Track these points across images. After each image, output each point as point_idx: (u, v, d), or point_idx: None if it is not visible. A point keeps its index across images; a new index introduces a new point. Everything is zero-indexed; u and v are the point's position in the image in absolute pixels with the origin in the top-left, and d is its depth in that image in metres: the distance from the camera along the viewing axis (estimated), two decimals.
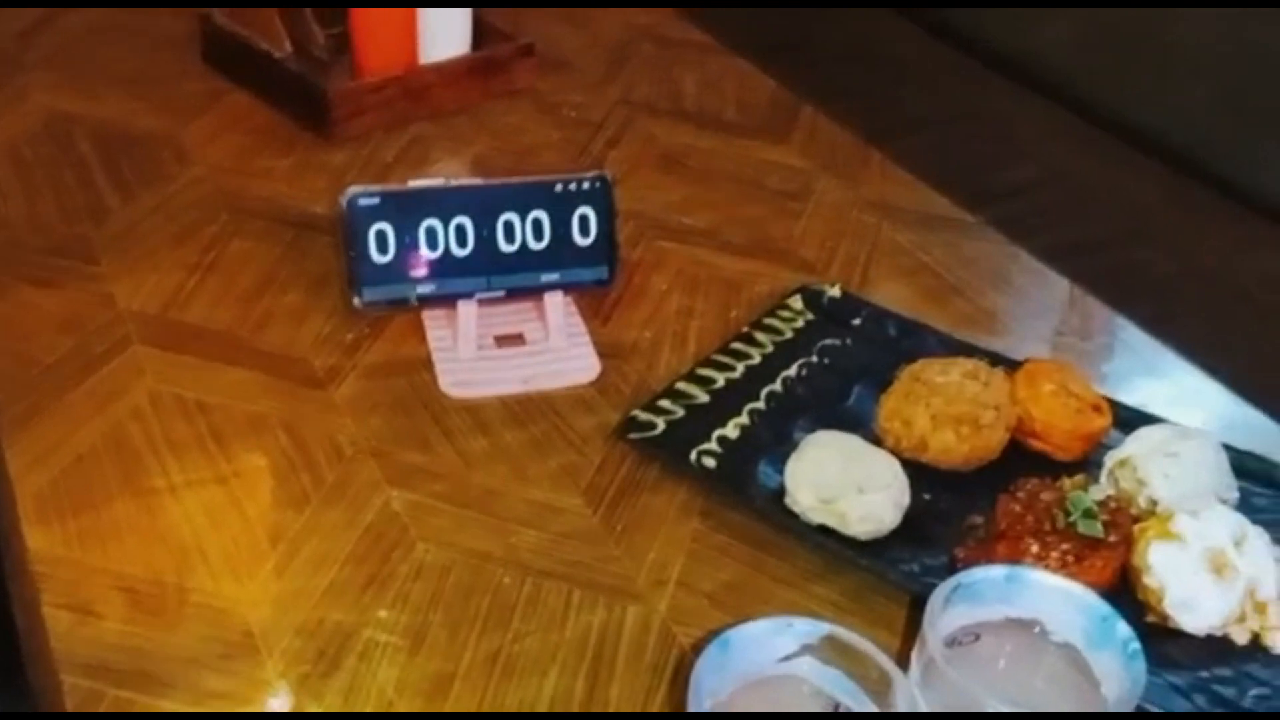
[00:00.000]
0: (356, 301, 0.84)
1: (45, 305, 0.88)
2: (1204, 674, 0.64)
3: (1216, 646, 0.65)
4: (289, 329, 0.88)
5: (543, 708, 0.63)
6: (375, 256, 0.83)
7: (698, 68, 1.29)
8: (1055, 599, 0.53)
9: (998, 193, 1.45)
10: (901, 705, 0.47)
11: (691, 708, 0.46)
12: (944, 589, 0.52)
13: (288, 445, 0.78)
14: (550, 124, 1.18)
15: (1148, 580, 0.66)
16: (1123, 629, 0.51)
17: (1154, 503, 0.71)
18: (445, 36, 1.18)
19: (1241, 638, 0.66)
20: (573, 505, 0.75)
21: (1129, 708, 0.49)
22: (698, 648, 0.64)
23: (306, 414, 0.80)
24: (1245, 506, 0.73)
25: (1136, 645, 0.50)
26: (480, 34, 1.20)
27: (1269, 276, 1.41)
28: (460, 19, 1.18)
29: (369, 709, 0.62)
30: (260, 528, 0.72)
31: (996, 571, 0.53)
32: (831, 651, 0.50)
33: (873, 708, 0.49)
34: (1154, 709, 0.61)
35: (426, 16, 1.16)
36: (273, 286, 0.92)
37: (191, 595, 0.68)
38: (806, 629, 0.50)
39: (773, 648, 0.50)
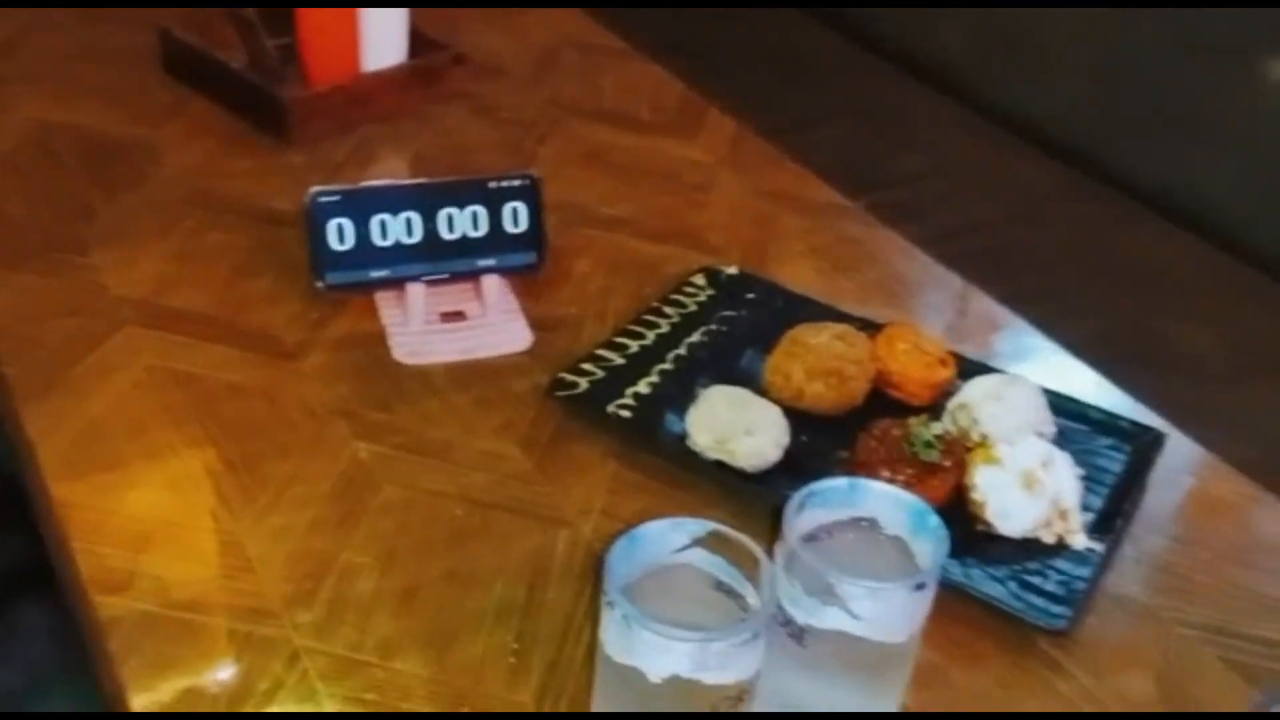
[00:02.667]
0: (320, 285, 0.98)
1: (46, 293, 1.01)
2: (1017, 567, 0.80)
3: (1029, 546, 0.82)
4: (262, 309, 1.01)
5: (491, 612, 0.77)
6: (335, 246, 0.97)
7: (616, 72, 1.44)
8: (886, 501, 0.68)
9: (888, 182, 1.62)
10: (768, 582, 0.62)
11: (606, 589, 0.61)
12: (799, 495, 0.67)
13: (268, 408, 0.92)
14: (485, 125, 1.32)
15: (974, 495, 0.82)
16: (933, 519, 0.66)
17: (984, 437, 0.87)
18: (384, 46, 1.31)
19: (1049, 539, 0.82)
20: (512, 453, 0.90)
21: (937, 574, 0.65)
22: None
23: (282, 381, 0.94)
24: (1062, 439, 0.89)
25: (944, 530, 0.66)
26: (416, 44, 1.33)
27: (1132, 251, 1.60)
28: (397, 29, 1.32)
29: (349, 616, 0.76)
30: (250, 476, 0.85)
31: (841, 482, 0.69)
32: (715, 544, 0.65)
33: (749, 587, 0.64)
34: (980, 595, 0.78)
35: (367, 27, 1.29)
36: (246, 273, 1.05)
37: (197, 532, 0.81)
38: (695, 526, 0.64)
39: (669, 541, 0.65)
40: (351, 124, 1.27)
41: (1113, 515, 0.84)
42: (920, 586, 0.64)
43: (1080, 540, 0.82)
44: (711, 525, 0.65)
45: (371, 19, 1.28)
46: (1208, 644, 0.78)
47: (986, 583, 0.79)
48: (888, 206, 1.32)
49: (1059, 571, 0.80)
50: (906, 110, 1.89)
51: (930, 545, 0.66)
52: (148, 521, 0.82)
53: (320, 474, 0.86)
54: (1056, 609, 0.77)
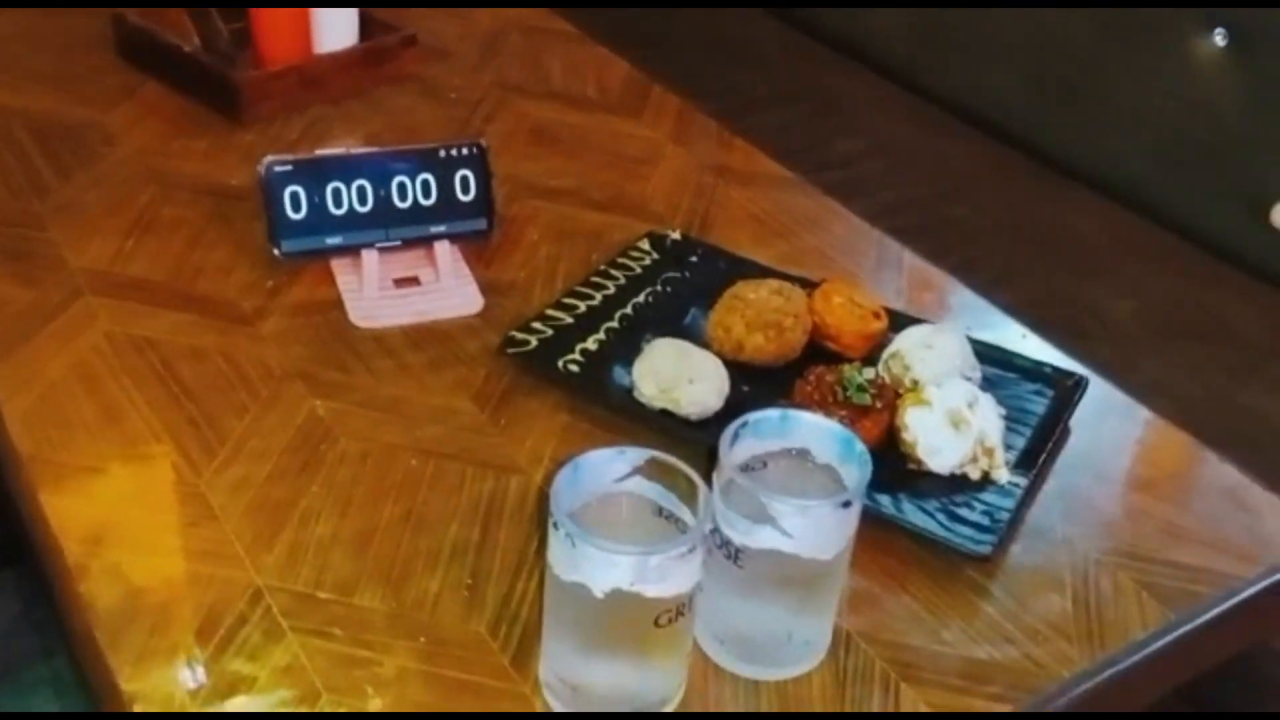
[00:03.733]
0: (276, 252, 1.01)
1: (4, 266, 1.03)
2: (945, 500, 0.85)
3: (957, 482, 0.87)
4: (218, 279, 1.04)
5: (446, 551, 0.81)
6: (291, 214, 1.01)
7: (563, 54, 1.48)
8: (817, 432, 0.72)
9: (830, 163, 1.67)
10: (705, 509, 0.66)
11: (553, 511, 0.64)
12: (734, 425, 0.71)
13: (226, 369, 0.94)
14: (433, 105, 1.35)
15: (905, 435, 0.87)
16: (859, 446, 0.71)
17: (915, 383, 0.91)
18: (336, 29, 1.34)
19: (975, 474, 0.87)
20: (465, 408, 0.93)
21: (857, 497, 0.69)
22: None
23: (239, 345, 0.97)
24: (989, 384, 0.94)
25: (868, 456, 0.70)
26: (367, 26, 1.36)
27: (1056, 223, 1.66)
28: (348, 12, 1.35)
29: (309, 558, 0.80)
30: (210, 432, 0.88)
31: (773, 413, 0.73)
32: (655, 471, 0.68)
33: (687, 512, 0.68)
34: (909, 527, 0.82)
35: (319, 11, 1.32)
36: (201, 245, 1.08)
37: (159, 484, 0.84)
38: (635, 454, 0.68)
39: (611, 470, 0.68)
40: (303, 104, 1.30)
41: (1035, 453, 0.89)
42: (846, 504, 0.69)
43: (1003, 475, 0.86)
44: (650, 453, 0.69)
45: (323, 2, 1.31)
46: (1122, 569, 0.83)
47: (917, 515, 0.83)
48: (826, 186, 1.37)
49: (983, 503, 0.85)
50: (845, 94, 1.94)
51: (857, 468, 0.70)
52: (112, 476, 0.85)
53: (278, 429, 0.89)
54: (981, 537, 0.82)
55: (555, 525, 0.65)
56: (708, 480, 0.68)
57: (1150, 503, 0.89)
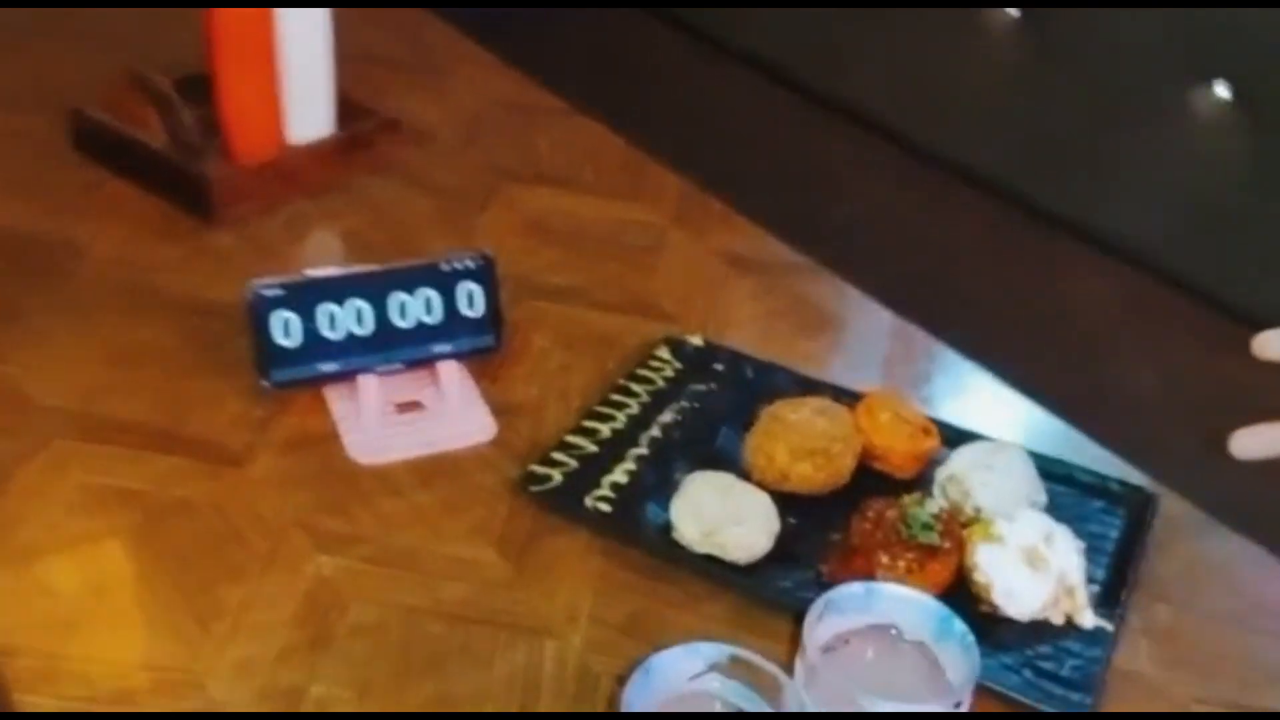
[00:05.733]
0: (265, 384, 0.92)
1: None
2: (1029, 652, 0.77)
3: (1038, 628, 0.79)
4: (203, 413, 0.94)
5: None
6: (281, 341, 0.91)
7: (551, 132, 1.39)
8: (905, 606, 0.65)
9: (826, 233, 1.59)
10: (791, 706, 0.58)
11: None
12: (817, 606, 0.63)
13: (218, 524, 0.85)
14: (419, 195, 1.26)
15: (977, 577, 0.79)
16: (959, 625, 0.63)
17: (978, 510, 0.84)
18: (310, 115, 1.25)
19: (1058, 619, 0.79)
20: (488, 557, 0.84)
21: (970, 688, 0.61)
22: (612, 675, 0.75)
23: (231, 493, 0.87)
24: (1052, 506, 0.87)
25: (971, 638, 0.62)
26: (343, 110, 1.27)
27: (1074, 296, 1.59)
28: (324, 97, 1.26)
29: None
30: (205, 603, 0.79)
31: (857, 588, 0.65)
32: (732, 666, 0.60)
33: (769, 709, 0.59)
34: (994, 687, 0.75)
35: (291, 96, 1.23)
36: (181, 374, 0.98)
37: (154, 671, 0.75)
38: (711, 651, 0.60)
39: (685, 669, 0.60)
40: (280, 200, 1.21)
41: (1117, 587, 0.82)
42: (957, 705, 0.61)
43: (1089, 618, 0.79)
44: (728, 649, 0.61)
45: (296, 87, 1.22)
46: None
47: (1001, 673, 0.75)
48: (827, 260, 1.30)
49: (1072, 654, 0.77)
50: (834, 156, 1.87)
51: (959, 654, 0.63)
52: (100, 664, 0.75)
53: (281, 596, 0.80)
54: (1076, 696, 0.74)
55: None
56: (770, 643, 0.60)
57: (1242, 637, 0.82)
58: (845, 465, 0.88)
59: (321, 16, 1.22)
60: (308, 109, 1.24)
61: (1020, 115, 1.77)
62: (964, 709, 0.61)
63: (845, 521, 0.83)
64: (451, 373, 0.96)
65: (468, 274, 0.95)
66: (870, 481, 0.89)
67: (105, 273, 1.09)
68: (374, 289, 0.93)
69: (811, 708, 0.61)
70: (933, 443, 0.90)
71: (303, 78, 1.22)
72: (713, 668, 0.60)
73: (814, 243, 1.38)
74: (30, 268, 1.09)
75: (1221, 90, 1.54)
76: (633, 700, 0.57)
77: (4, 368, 0.98)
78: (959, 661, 0.62)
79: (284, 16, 1.19)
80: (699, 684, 0.60)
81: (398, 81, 1.43)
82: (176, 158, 1.19)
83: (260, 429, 0.93)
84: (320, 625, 0.78)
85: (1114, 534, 0.87)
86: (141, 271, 1.10)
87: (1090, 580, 0.82)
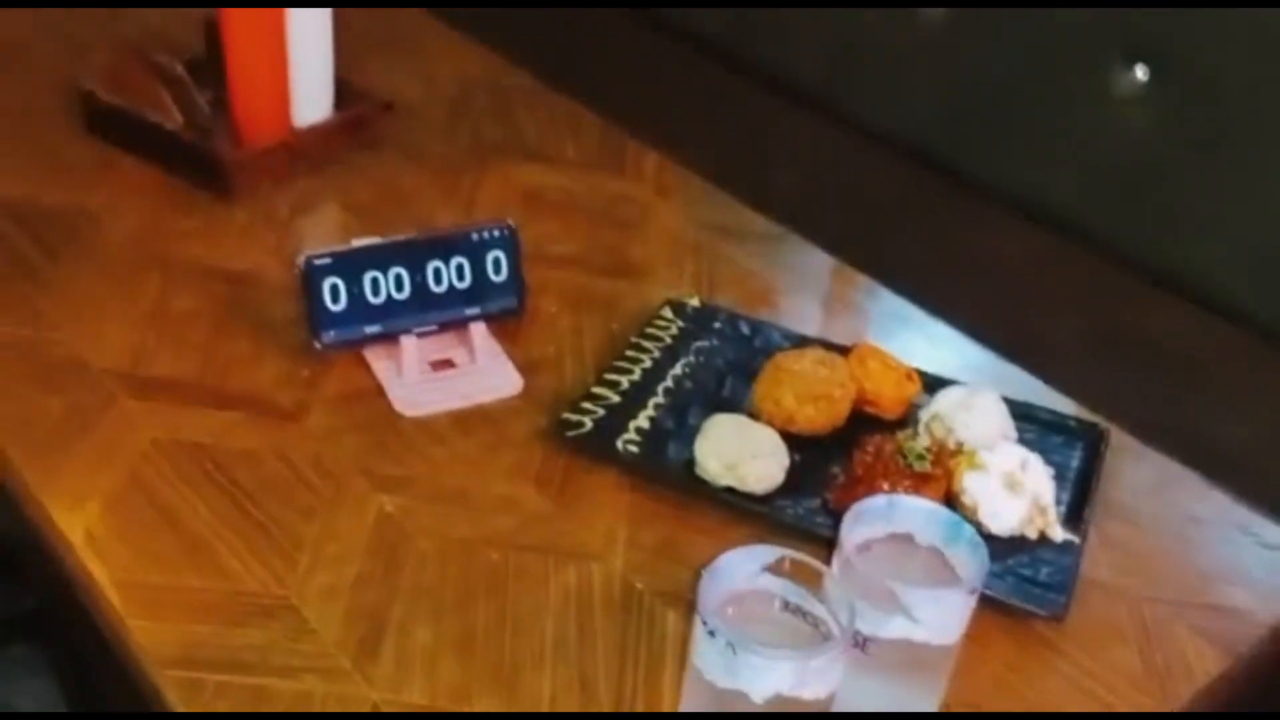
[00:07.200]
0: (318, 344, 1.00)
1: (23, 370, 1.00)
2: (1010, 561, 0.90)
3: (1017, 543, 0.91)
4: (249, 373, 1.03)
5: (549, 650, 0.82)
6: (331, 306, 1.00)
7: (533, 111, 1.48)
8: (920, 516, 0.76)
9: (771, 200, 1.70)
10: (833, 595, 0.69)
11: (705, 619, 0.66)
12: (850, 514, 0.74)
13: (284, 470, 0.93)
14: (416, 169, 1.34)
15: (964, 499, 0.91)
16: (968, 529, 0.75)
17: (960, 444, 0.96)
18: (314, 99, 1.33)
19: (1033, 534, 0.92)
20: (529, 495, 0.94)
21: (980, 582, 0.73)
22: (653, 591, 0.85)
23: (291, 443, 0.96)
24: (1022, 440, 0.99)
25: (979, 539, 0.74)
26: (341, 93, 1.35)
27: (998, 254, 1.73)
28: (326, 83, 1.33)
29: (417, 666, 0.80)
30: (285, 538, 0.88)
31: (880, 500, 0.76)
32: (780, 566, 0.71)
33: (814, 603, 0.70)
34: (985, 591, 0.87)
35: (297, 83, 1.30)
36: (222, 336, 1.06)
37: (247, 598, 0.83)
38: (765, 554, 0.71)
39: (745, 569, 0.71)
40: (288, 177, 1.28)
41: (1080, 507, 0.95)
42: (973, 591, 0.72)
43: (1059, 533, 0.92)
44: (780, 551, 0.72)
45: (301, 76, 1.30)
46: (1176, 618, 0.89)
47: (990, 580, 0.87)
48: (785, 222, 1.41)
49: (1046, 563, 0.90)
50: (770, 125, 1.98)
51: (968, 552, 0.74)
52: (199, 592, 0.83)
53: (353, 531, 0.89)
54: (1052, 596, 0.87)
55: (712, 634, 0.67)
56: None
57: (1182, 546, 0.96)
58: (844, 408, 0.99)
59: (325, 14, 1.30)
60: (311, 94, 1.32)
61: (958, 93, 1.91)
62: (976, 594, 0.73)
63: (845, 457, 0.95)
64: (481, 333, 1.05)
65: (495, 243, 1.05)
66: (863, 422, 1.00)
67: (132, 244, 1.16)
68: (412, 257, 1.02)
69: (846, 597, 0.72)
70: (915, 387, 1.02)
71: (308, 67, 1.30)
72: (765, 569, 0.71)
73: (767, 208, 1.49)
74: (57, 240, 1.15)
75: (1140, 72, 1.69)
76: (706, 596, 0.68)
77: (53, 333, 1.04)
78: (967, 560, 0.74)
79: (294, 16, 1.26)
80: (758, 582, 0.71)
81: (382, 63, 1.50)
82: (193, 138, 1.26)
83: (308, 386, 1.02)
84: (390, 555, 0.87)
85: (1074, 463, 1.00)
86: (166, 242, 1.17)
87: (1058, 502, 0.94)
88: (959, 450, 0.95)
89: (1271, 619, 0.90)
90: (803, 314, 1.19)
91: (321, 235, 1.25)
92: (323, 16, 1.30)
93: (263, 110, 1.28)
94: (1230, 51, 1.46)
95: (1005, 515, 0.91)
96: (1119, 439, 1.04)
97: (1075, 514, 0.94)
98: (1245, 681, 0.88)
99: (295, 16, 1.26)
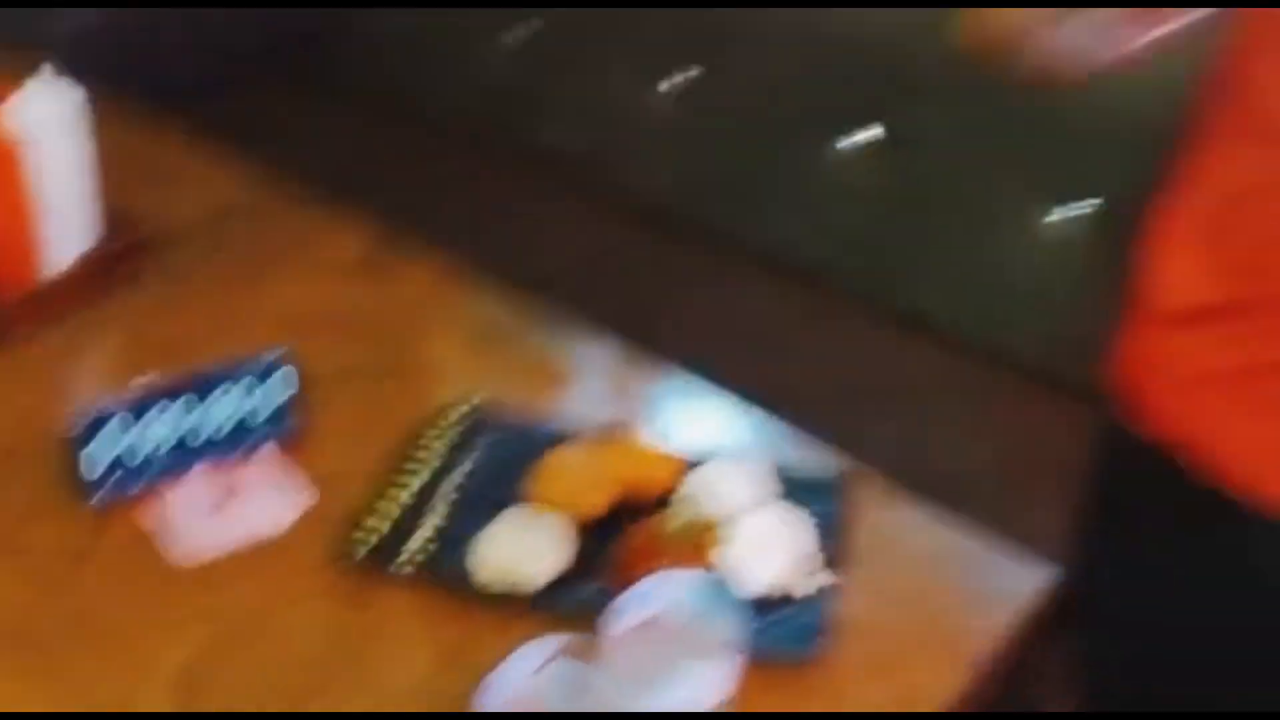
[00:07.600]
0: (94, 501, 1.02)
1: None
2: (771, 617, 0.98)
3: (778, 598, 1.00)
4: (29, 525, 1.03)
5: None
6: (99, 464, 1.02)
7: (291, 225, 1.48)
8: (680, 591, 0.84)
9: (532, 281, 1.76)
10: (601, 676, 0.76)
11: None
12: (612, 606, 0.82)
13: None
14: (182, 302, 1.34)
15: (722, 568, 0.99)
16: (725, 596, 0.83)
17: (710, 519, 1.04)
18: (67, 239, 1.31)
19: (796, 586, 1.01)
20: (319, 620, 0.98)
21: (740, 645, 0.81)
22: (458, 695, 0.90)
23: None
24: (784, 497, 1.08)
25: (736, 603, 0.83)
26: (104, 224, 1.33)
27: (743, 306, 1.85)
28: (80, 219, 1.32)
29: None
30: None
31: (643, 584, 0.84)
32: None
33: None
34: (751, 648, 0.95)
35: (47, 226, 1.29)
36: None
37: None
38: (537, 651, 0.78)
39: (520, 673, 0.77)
40: (48, 322, 1.27)
41: (836, 554, 1.04)
42: (733, 654, 0.81)
43: (818, 580, 1.01)
44: (552, 645, 0.78)
45: (51, 218, 1.28)
46: (924, 645, 1.00)
47: (753, 636, 0.94)
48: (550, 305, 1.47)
49: (808, 611, 1.00)
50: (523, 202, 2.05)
51: (726, 617, 0.83)
52: None
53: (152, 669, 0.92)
54: (809, 643, 0.97)
55: None
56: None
57: (928, 577, 1.07)
58: (615, 494, 1.07)
59: (74, 146, 1.29)
60: (64, 234, 1.31)
61: (701, 156, 2.04)
62: (738, 656, 0.82)
63: (615, 541, 1.02)
64: (263, 462, 1.09)
65: (267, 371, 1.08)
66: (633, 508, 1.07)
67: None
68: (184, 399, 1.04)
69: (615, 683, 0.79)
70: (675, 467, 1.11)
71: (57, 208, 1.29)
72: (544, 663, 0.78)
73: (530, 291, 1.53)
74: None
75: (876, 130, 1.85)
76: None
77: None
78: (727, 624, 0.83)
79: (35, 149, 1.25)
80: (532, 685, 0.77)
81: (138, 189, 1.48)
82: None
83: (93, 535, 1.03)
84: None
85: (831, 510, 1.09)
86: None
87: (822, 550, 1.04)
88: (710, 525, 1.03)
89: (1003, 629, 1.03)
90: (580, 400, 1.26)
91: (86, 385, 1.25)
92: (71, 148, 1.28)
93: (7, 264, 1.27)
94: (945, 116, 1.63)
95: (760, 575, 1.00)
96: (870, 481, 1.15)
97: (835, 560, 1.04)
98: (989, 686, 1.00)
99: (39, 151, 1.24)
